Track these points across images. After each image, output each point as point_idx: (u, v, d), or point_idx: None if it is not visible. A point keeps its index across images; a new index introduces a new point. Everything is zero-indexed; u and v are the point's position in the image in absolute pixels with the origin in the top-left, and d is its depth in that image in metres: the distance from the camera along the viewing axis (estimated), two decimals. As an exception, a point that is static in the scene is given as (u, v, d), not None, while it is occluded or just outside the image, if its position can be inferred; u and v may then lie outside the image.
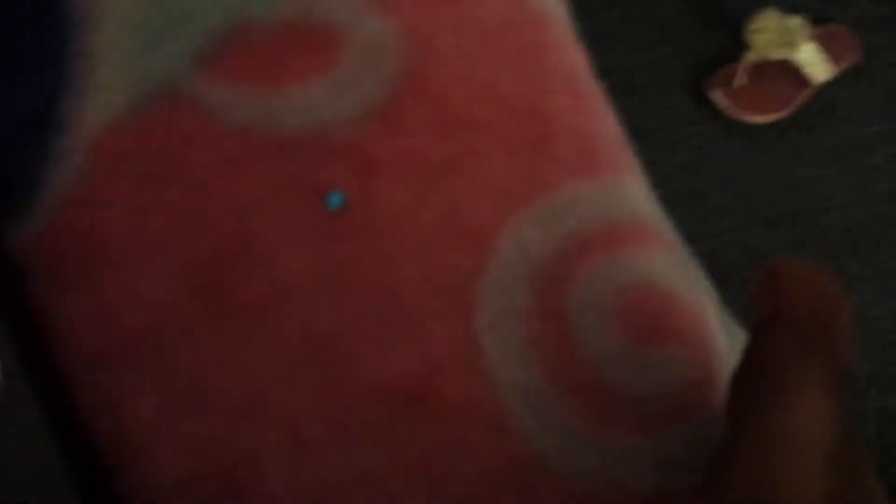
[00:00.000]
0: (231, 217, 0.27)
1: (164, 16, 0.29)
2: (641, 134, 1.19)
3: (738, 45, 1.19)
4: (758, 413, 0.21)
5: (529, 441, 0.26)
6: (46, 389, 0.23)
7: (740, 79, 1.18)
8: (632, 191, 0.31)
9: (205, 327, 0.26)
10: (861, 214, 1.16)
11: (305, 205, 0.27)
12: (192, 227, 0.26)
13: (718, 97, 1.18)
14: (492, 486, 0.26)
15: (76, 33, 0.29)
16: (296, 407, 0.25)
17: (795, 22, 1.16)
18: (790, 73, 1.20)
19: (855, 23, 1.25)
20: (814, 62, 1.17)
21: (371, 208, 0.28)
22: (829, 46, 1.20)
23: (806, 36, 1.16)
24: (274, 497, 0.24)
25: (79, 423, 0.23)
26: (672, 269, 0.30)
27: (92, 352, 0.25)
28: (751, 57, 1.17)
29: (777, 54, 1.17)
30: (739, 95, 1.18)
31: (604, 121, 0.32)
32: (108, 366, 0.25)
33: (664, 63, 1.23)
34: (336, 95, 0.29)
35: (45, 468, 0.22)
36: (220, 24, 0.29)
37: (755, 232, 1.14)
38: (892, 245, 1.14)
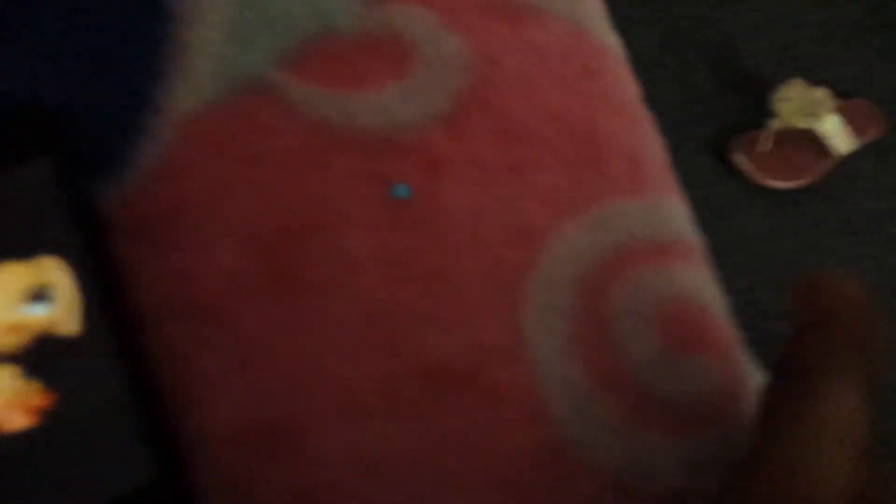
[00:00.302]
0: (304, 199, 0.29)
1: (256, 17, 0.32)
2: (664, 191, 1.21)
3: (763, 112, 1.22)
4: (796, 408, 0.22)
5: (566, 430, 0.28)
6: (122, 335, 0.25)
7: (763, 145, 1.21)
8: (675, 210, 0.33)
9: (272, 294, 0.28)
10: (873, 284, 1.17)
11: (374, 194, 0.30)
12: (268, 203, 0.29)
13: (741, 160, 1.21)
14: (528, 467, 0.27)
15: (176, 25, 0.31)
16: (351, 375, 0.27)
17: (821, 93, 1.19)
18: (813, 142, 1.23)
19: (879, 98, 1.28)
20: (837, 134, 1.20)
21: (434, 203, 0.30)
22: (852, 120, 1.23)
23: (830, 108, 1.19)
24: (324, 457, 0.26)
25: (148, 370, 0.25)
26: (708, 286, 0.32)
27: (165, 305, 0.27)
28: (775, 124, 1.20)
29: (801, 123, 1.20)
30: (762, 160, 1.21)
31: (652, 145, 0.34)
32: (179, 319, 0.27)
33: (691, 124, 1.26)
34: (407, 101, 0.31)
35: (116, 408, 0.24)
36: (308, 28, 0.32)
37: (768, 294, 1.16)
38: (905, 318, 1.15)
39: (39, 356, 0.25)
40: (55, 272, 0.26)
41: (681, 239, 0.32)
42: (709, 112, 1.28)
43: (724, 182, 1.22)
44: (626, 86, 0.35)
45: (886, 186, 1.24)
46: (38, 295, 0.25)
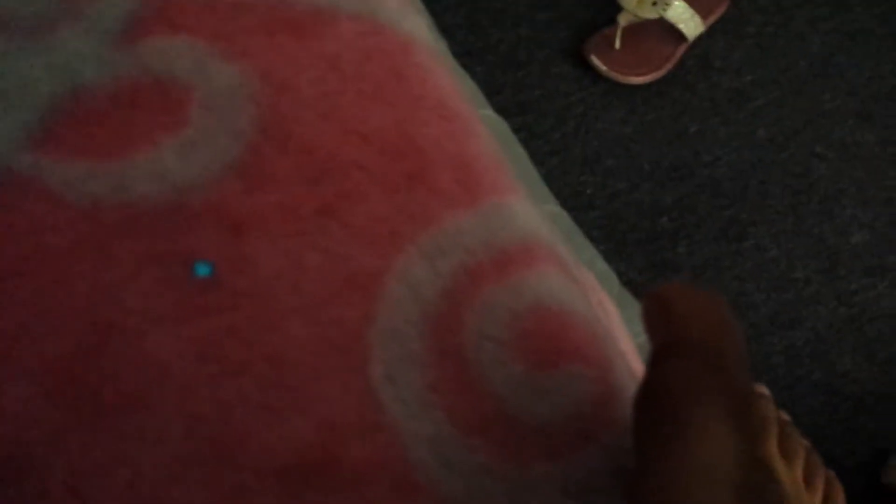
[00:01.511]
0: (91, 304, 0.25)
1: (-12, 89, 0.26)
2: (529, 106, 1.20)
3: (611, 9, 1.21)
4: (662, 446, 0.21)
5: (441, 488, 0.26)
6: None
7: (616, 41, 1.20)
8: (516, 211, 0.30)
9: (77, 428, 0.24)
10: (746, 161, 1.20)
11: (170, 280, 0.25)
12: (49, 322, 0.24)
13: (598, 62, 1.20)
14: (408, 545, 0.25)
15: None
16: (186, 500, 0.24)
17: (663, -20, 1.18)
18: (663, 31, 1.22)
19: (718, -25, 1.28)
20: (685, 18, 1.20)
21: (244, 273, 0.26)
22: (696, 1, 1.23)
23: (674, -7, 1.19)
24: None
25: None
26: (563, 285, 0.30)
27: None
28: (624, 19, 1.19)
29: (649, 14, 1.19)
30: (618, 58, 1.20)
31: (479, 143, 0.31)
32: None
33: (543, 34, 1.23)
34: (189, 156, 0.27)
35: None
36: (52, 93, 0.27)
37: (649, 190, 1.17)
38: (777, 188, 1.19)
39: None
40: None
41: (526, 242, 0.30)
42: (556, 18, 1.25)
43: (584, 87, 1.21)
44: (440, 81, 0.31)
45: (740, 61, 1.26)
46: None
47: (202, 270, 0.25)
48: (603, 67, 1.19)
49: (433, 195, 0.29)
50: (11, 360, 0.24)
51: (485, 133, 0.31)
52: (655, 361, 0.23)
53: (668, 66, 1.22)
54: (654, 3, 1.19)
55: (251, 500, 0.24)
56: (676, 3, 1.19)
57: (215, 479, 0.24)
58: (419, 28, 0.32)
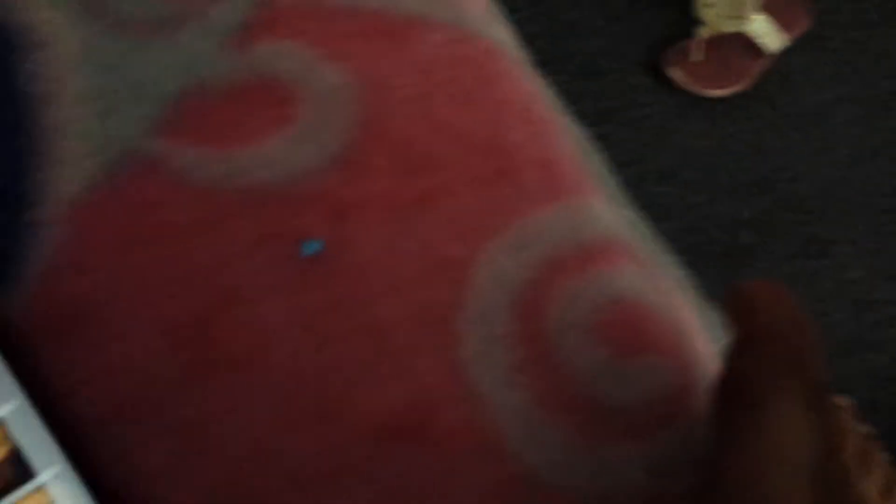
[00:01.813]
0: (211, 274, 0.27)
1: (118, 87, 0.29)
2: (605, 116, 1.20)
3: (690, 21, 1.20)
4: (740, 431, 0.22)
5: (523, 461, 0.27)
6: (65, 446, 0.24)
7: (696, 54, 1.19)
8: (597, 210, 0.32)
9: (199, 379, 0.26)
10: (827, 179, 1.18)
11: (282, 255, 0.28)
12: (175, 286, 0.27)
13: (676, 73, 1.19)
14: (490, 511, 0.26)
15: (34, 109, 0.29)
16: (293, 449, 0.26)
17: (745, -6, 1.17)
18: (744, 44, 1.21)
19: (803, -11, 1.27)
20: (766, 32, 1.19)
21: (346, 252, 0.28)
22: (779, 15, 1.22)
23: (756, 7, 1.18)
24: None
25: (97, 483, 0.24)
26: (644, 281, 0.31)
27: (97, 409, 0.26)
28: (704, 31, 1.19)
29: (729, 27, 1.18)
30: (697, 71, 1.20)
31: (563, 145, 0.32)
32: (116, 420, 0.25)
33: (621, 45, 1.24)
34: (297, 148, 0.29)
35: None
36: (174, 89, 0.29)
37: (727, 203, 1.16)
38: (859, 207, 1.17)
39: None
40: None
41: (607, 240, 0.31)
42: (634, 30, 1.25)
43: (662, 99, 1.21)
44: (526, 86, 0.33)
45: (821, 77, 1.24)
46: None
47: (310, 249, 0.28)
48: (681, 80, 1.19)
49: (518, 192, 0.31)
50: (140, 318, 0.27)
51: (567, 137, 0.33)
52: (737, 354, 0.24)
53: (748, 80, 1.21)
54: (735, 17, 1.18)
55: (349, 452, 0.26)
56: (758, 17, 1.18)
57: (319, 433, 0.26)
58: (503, 36, 0.34)
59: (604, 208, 0.31)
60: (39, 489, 0.23)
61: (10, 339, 0.26)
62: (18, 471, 0.24)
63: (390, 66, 0.31)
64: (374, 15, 0.32)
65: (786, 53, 1.24)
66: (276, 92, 0.30)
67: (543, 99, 0.33)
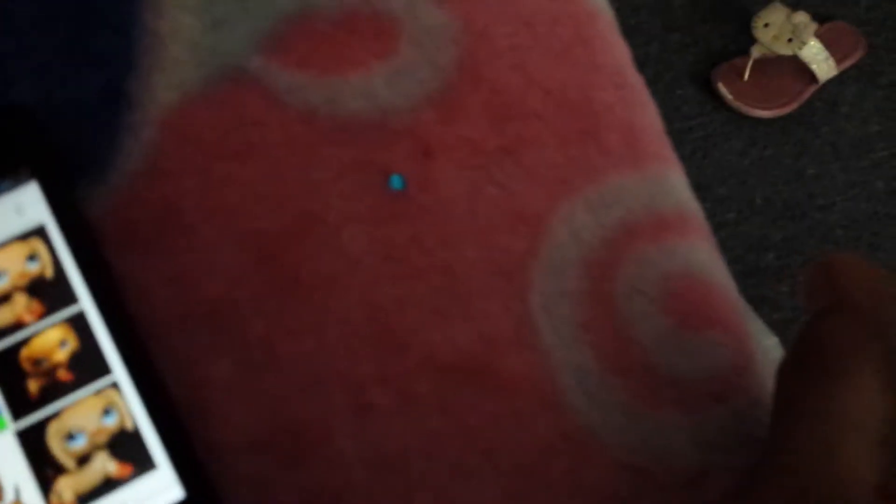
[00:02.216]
0: (299, 195, 0.28)
1: (230, 0, 0.30)
2: (647, 125, 1.20)
3: (745, 38, 1.20)
4: (813, 400, 0.22)
5: (580, 416, 0.28)
6: (128, 351, 0.24)
7: (747, 73, 1.19)
8: (675, 182, 0.32)
9: (275, 296, 0.27)
10: (861, 211, 1.18)
11: (369, 186, 0.28)
12: (261, 201, 0.28)
13: (725, 90, 1.19)
14: (544, 457, 0.27)
15: (145, 13, 0.29)
16: (360, 374, 0.26)
17: (803, 18, 1.17)
18: (796, 68, 1.21)
19: (858, 21, 1.26)
20: (819, 59, 1.19)
21: (430, 191, 0.29)
22: (834, 44, 1.22)
23: (811, 32, 1.17)
24: (341, 458, 0.26)
25: (161, 387, 0.24)
26: (712, 259, 0.31)
27: (169, 315, 0.26)
28: (757, 51, 1.19)
29: (783, 50, 1.18)
30: (746, 89, 1.20)
31: (648, 114, 0.33)
32: (185, 329, 0.26)
33: (672, 54, 1.24)
34: (395, 83, 0.30)
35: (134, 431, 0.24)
36: (287, 9, 0.30)
37: (758, 224, 1.16)
38: (890, 243, 1.16)
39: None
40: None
41: (682, 212, 0.31)
42: (688, 41, 1.25)
43: (707, 112, 1.21)
44: (618, 51, 0.33)
45: (868, 111, 1.23)
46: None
47: (396, 183, 0.28)
48: (729, 96, 1.19)
49: (602, 153, 0.31)
50: (224, 230, 0.27)
51: (652, 106, 0.33)
52: (816, 320, 0.24)
53: (795, 104, 1.21)
54: (790, 40, 1.18)
55: (414, 386, 0.27)
56: (812, 42, 1.18)
57: (385, 363, 0.27)
58: (601, 2, 0.34)
59: (680, 181, 0.32)
60: (99, 393, 0.24)
61: (87, 238, 0.26)
62: (80, 373, 0.24)
63: (494, 15, 0.31)
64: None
65: (835, 82, 1.24)
66: (381, 25, 0.30)
67: (631, 66, 0.33)
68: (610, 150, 0.31)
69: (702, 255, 0.31)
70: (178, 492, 0.23)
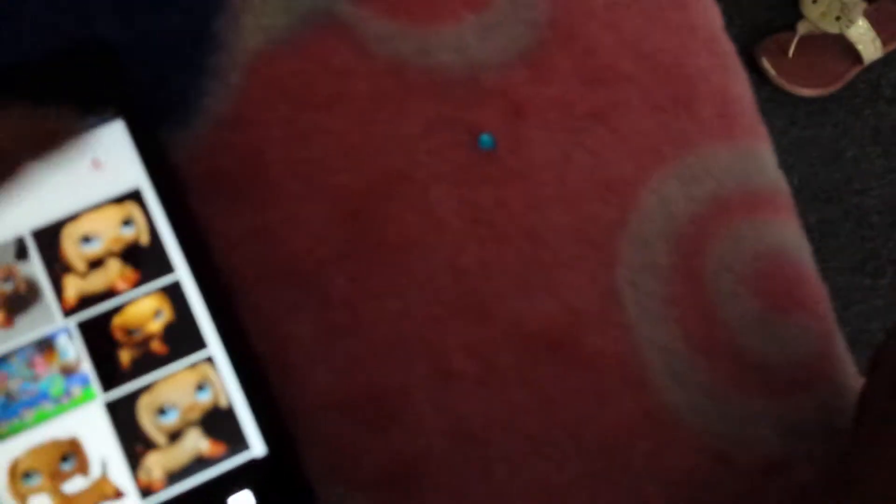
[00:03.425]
0: (387, 151, 0.27)
1: (316, -60, 0.28)
2: (684, 98, 1.17)
3: (792, 13, 1.17)
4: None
5: (664, 396, 0.27)
6: (213, 304, 0.23)
7: (792, 49, 1.16)
8: (766, 158, 0.31)
9: (360, 254, 0.26)
10: (898, 197, 1.16)
11: (458, 143, 0.27)
12: (351, 157, 0.26)
13: (768, 65, 1.16)
14: (627, 434, 0.26)
15: (228, -49, 0.28)
16: (443, 340, 0.25)
17: (853, -4, 1.13)
18: (841, 48, 1.18)
19: (911, 1, 1.23)
20: (866, 39, 1.16)
21: (519, 153, 0.28)
22: (882, 26, 1.18)
23: (861, 12, 1.14)
24: (420, 425, 0.25)
25: (244, 340, 0.23)
26: (800, 240, 0.30)
27: (252, 269, 0.25)
28: (803, 27, 1.15)
29: (831, 28, 1.15)
30: (790, 66, 1.17)
31: (741, 84, 0.31)
32: (268, 284, 0.25)
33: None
34: (487, 37, 0.28)
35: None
36: (377, -47, 0.28)
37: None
38: (926, 230, 1.14)
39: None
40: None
41: (772, 189, 0.30)
42: (734, 13, 1.22)
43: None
44: (712, 14, 0.32)
45: (914, 95, 1.21)
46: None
47: (486, 142, 0.27)
48: (772, 72, 1.16)
49: (695, 122, 0.30)
50: (309, 182, 0.26)
51: (744, 76, 0.32)
52: None
53: (838, 84, 1.18)
54: (838, 18, 1.15)
55: (497, 356, 0.26)
56: (861, 21, 1.15)
57: (470, 327, 0.26)
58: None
59: (771, 157, 0.30)
60: (193, 367, 0.23)
61: (182, 202, 0.25)
62: (174, 346, 0.23)
63: (591, -28, 0.30)
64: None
65: (880, 64, 1.21)
66: (473, -24, 0.29)
67: (724, 33, 0.31)
68: (703, 120, 0.30)
69: (792, 234, 0.30)
70: (260, 449, 0.22)
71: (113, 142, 0.24)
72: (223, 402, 0.22)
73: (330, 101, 0.27)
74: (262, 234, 0.25)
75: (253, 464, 0.22)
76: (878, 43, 1.18)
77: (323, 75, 0.27)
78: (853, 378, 0.29)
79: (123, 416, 0.22)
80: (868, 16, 1.18)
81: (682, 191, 0.29)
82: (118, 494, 0.22)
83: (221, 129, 0.26)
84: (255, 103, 0.26)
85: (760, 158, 0.30)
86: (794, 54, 1.17)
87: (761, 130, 0.31)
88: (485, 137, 0.27)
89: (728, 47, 0.32)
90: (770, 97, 1.18)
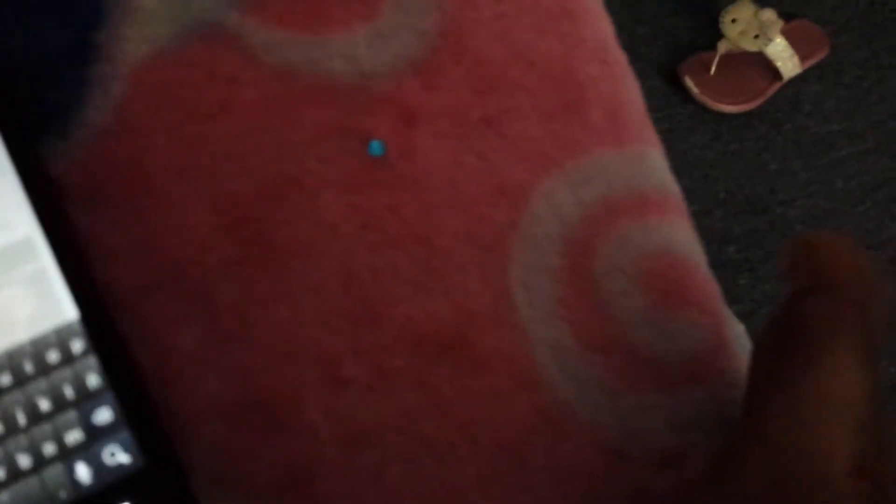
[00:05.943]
0: (276, 158, 0.27)
1: (205, -47, 0.29)
2: (613, 116, 1.20)
3: (713, 33, 1.21)
4: (791, 377, 0.22)
5: (557, 393, 0.27)
6: (91, 315, 0.23)
7: (713, 67, 1.20)
8: (656, 161, 0.32)
9: (248, 262, 0.26)
10: (820, 207, 1.20)
11: (348, 151, 0.27)
12: (238, 164, 0.26)
13: (691, 83, 1.20)
14: (521, 432, 0.26)
15: (114, -36, 0.28)
16: (333, 346, 0.26)
17: (770, 15, 1.18)
18: (761, 65, 1.22)
19: (822, 20, 1.28)
20: (784, 56, 1.20)
21: (410, 159, 0.28)
22: (798, 43, 1.23)
23: (778, 30, 1.19)
24: (312, 431, 0.25)
25: (124, 352, 0.23)
26: (690, 240, 0.31)
27: (135, 280, 0.25)
28: (723, 46, 1.20)
29: (750, 46, 1.19)
30: (712, 83, 1.20)
31: (631, 91, 0.32)
32: (152, 294, 0.25)
33: (640, 46, 1.24)
34: (378, 45, 0.29)
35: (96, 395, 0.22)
36: (265, -35, 0.29)
37: (720, 217, 1.17)
38: (847, 238, 1.18)
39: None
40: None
41: (662, 191, 0.31)
42: (657, 33, 1.26)
43: (672, 105, 1.22)
44: (603, 26, 0.33)
45: (830, 110, 1.25)
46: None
47: (376, 149, 0.27)
48: (695, 90, 1.19)
49: (584, 128, 0.31)
50: (195, 191, 0.26)
51: (635, 84, 0.33)
52: (794, 300, 0.23)
53: (759, 100, 1.22)
54: (756, 37, 1.19)
55: (389, 360, 0.26)
56: (778, 39, 1.19)
57: (360, 334, 0.26)
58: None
59: (662, 162, 0.31)
60: None
61: (53, 195, 0.25)
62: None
63: (479, -18, 0.30)
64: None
65: (799, 80, 1.25)
66: (362, -14, 0.29)
67: (615, 42, 0.32)
68: (592, 126, 0.31)
69: (681, 234, 0.31)
70: (140, 461, 0.22)
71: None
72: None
73: (217, 110, 0.27)
74: (145, 244, 0.25)
75: (132, 476, 0.22)
76: (797, 60, 1.22)
77: (210, 84, 0.27)
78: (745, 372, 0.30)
79: None
80: (785, 34, 1.23)
81: (572, 194, 0.29)
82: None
83: (104, 140, 0.26)
84: (140, 113, 0.26)
85: (649, 162, 0.31)
86: (716, 72, 1.21)
87: (651, 135, 0.32)
88: (374, 144, 0.27)
89: (619, 57, 0.33)
90: (694, 114, 1.21)
